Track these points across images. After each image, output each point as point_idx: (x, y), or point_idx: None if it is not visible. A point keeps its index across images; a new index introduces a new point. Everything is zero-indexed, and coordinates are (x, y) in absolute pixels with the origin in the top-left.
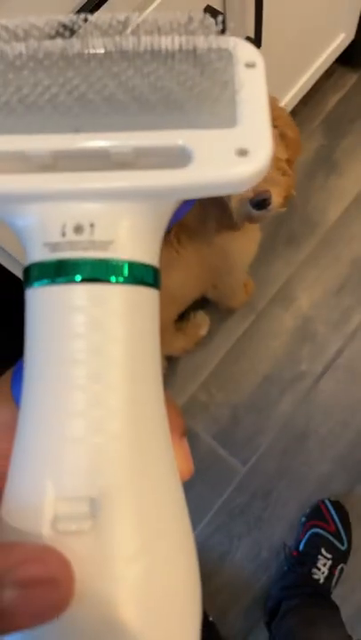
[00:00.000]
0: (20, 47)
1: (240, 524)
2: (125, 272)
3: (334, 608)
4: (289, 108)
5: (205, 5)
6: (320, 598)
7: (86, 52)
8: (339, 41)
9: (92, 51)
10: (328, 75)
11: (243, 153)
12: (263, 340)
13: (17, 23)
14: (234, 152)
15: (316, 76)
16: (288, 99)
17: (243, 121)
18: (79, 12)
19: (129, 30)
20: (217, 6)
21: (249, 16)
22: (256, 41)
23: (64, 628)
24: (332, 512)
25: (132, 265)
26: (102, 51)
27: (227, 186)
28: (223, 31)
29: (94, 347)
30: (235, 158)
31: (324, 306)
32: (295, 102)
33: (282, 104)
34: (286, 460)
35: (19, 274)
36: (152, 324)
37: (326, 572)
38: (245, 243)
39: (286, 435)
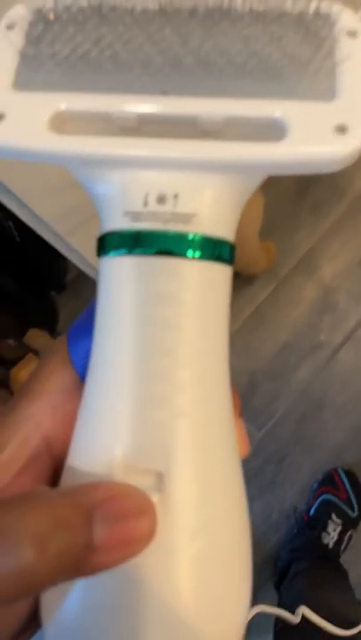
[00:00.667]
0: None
1: (253, 487)
2: (204, 247)
3: (343, 572)
4: None
5: None
6: (329, 562)
7: (185, 10)
8: None
9: (191, 8)
10: None
11: (342, 129)
12: (284, 309)
13: None
14: (332, 128)
15: None
16: None
17: (343, 94)
18: None
19: None
20: None
21: None
22: None
23: (121, 593)
24: (345, 480)
25: (211, 240)
26: (203, 9)
27: (322, 164)
28: None
29: (166, 321)
30: (333, 135)
31: (346, 277)
32: None
33: None
34: (302, 427)
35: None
36: (224, 301)
37: (336, 537)
38: (251, 210)
39: (303, 403)
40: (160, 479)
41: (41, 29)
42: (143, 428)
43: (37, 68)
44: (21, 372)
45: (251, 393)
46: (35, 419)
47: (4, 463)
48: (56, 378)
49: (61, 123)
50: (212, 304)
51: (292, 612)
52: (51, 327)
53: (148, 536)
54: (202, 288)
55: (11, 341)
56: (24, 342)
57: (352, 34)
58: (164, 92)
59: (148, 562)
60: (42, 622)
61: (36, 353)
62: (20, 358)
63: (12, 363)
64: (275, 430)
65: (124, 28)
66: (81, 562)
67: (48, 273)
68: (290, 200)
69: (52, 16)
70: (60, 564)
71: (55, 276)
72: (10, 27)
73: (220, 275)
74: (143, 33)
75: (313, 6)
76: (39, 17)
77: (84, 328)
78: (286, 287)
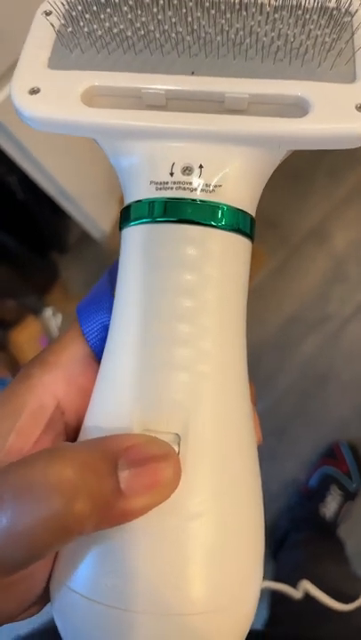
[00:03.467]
0: None
1: None
2: (227, 218)
3: (340, 544)
4: None
5: None
6: (327, 533)
7: None
8: None
9: None
10: None
11: None
12: (293, 278)
13: None
14: (354, 106)
15: None
16: None
17: None
18: None
19: None
20: None
21: None
22: None
23: (128, 552)
24: (346, 453)
25: (233, 211)
26: None
27: (344, 139)
28: None
29: (188, 287)
30: (354, 112)
31: (359, 247)
32: None
33: None
34: (305, 400)
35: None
36: (244, 273)
37: (334, 508)
38: None
39: (307, 376)
40: (177, 440)
41: (80, 9)
42: (163, 389)
43: (73, 47)
44: (21, 335)
45: (255, 364)
46: (50, 387)
47: (23, 428)
48: (70, 351)
49: (93, 98)
50: (232, 274)
51: (291, 583)
52: (49, 288)
53: (174, 481)
54: (223, 257)
55: (10, 302)
56: (24, 304)
57: None
58: (193, 72)
59: (158, 522)
60: (50, 595)
61: (35, 314)
62: (19, 320)
63: (12, 325)
64: (277, 403)
65: (158, 9)
66: (110, 507)
67: (50, 233)
68: (305, 161)
69: None
70: (90, 509)
71: (58, 236)
72: (47, 12)
73: (240, 246)
74: (176, 14)
75: (340, 0)
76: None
77: (95, 304)
78: (297, 255)
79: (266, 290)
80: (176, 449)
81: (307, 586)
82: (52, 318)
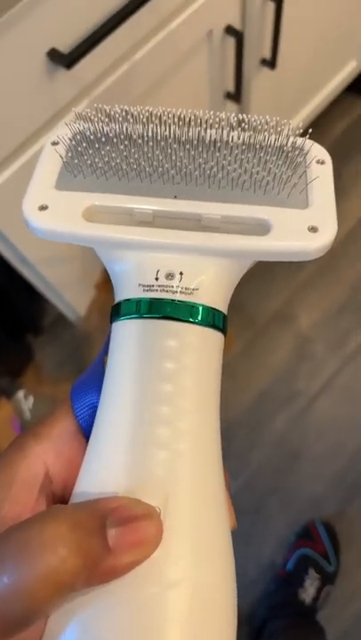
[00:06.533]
0: (142, 129)
1: None
2: (202, 315)
3: (320, 630)
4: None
5: (226, 25)
6: (306, 619)
7: (195, 138)
8: (350, 69)
9: (201, 138)
10: (338, 101)
11: (313, 229)
12: (261, 358)
13: (138, 110)
14: (306, 228)
15: (327, 102)
16: (297, 122)
17: (314, 204)
18: (112, 18)
19: (229, 126)
20: (237, 26)
21: (266, 37)
22: (271, 63)
23: (110, 619)
24: (322, 533)
25: (208, 310)
26: (208, 139)
27: (298, 254)
28: (303, 135)
29: (168, 374)
30: (307, 233)
31: (323, 326)
32: (304, 126)
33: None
34: (278, 478)
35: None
36: (217, 362)
37: (313, 592)
38: None
39: (279, 453)
40: (157, 512)
41: (84, 146)
42: (145, 464)
43: (77, 173)
44: None
45: (227, 442)
46: (41, 457)
47: (17, 496)
48: (61, 425)
49: (92, 215)
50: (206, 363)
51: None
52: (23, 370)
53: (156, 539)
54: (199, 348)
55: None
56: None
57: (320, 162)
58: (176, 197)
59: (140, 591)
60: None
61: (7, 397)
62: None
63: None
64: (251, 480)
65: (148, 149)
66: (99, 563)
67: (26, 316)
68: None
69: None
70: (81, 564)
71: (33, 319)
72: (55, 143)
73: (214, 339)
74: (163, 153)
75: (291, 140)
76: (82, 137)
77: (86, 386)
78: (263, 336)
79: (235, 370)
80: None
81: None
82: (24, 401)
